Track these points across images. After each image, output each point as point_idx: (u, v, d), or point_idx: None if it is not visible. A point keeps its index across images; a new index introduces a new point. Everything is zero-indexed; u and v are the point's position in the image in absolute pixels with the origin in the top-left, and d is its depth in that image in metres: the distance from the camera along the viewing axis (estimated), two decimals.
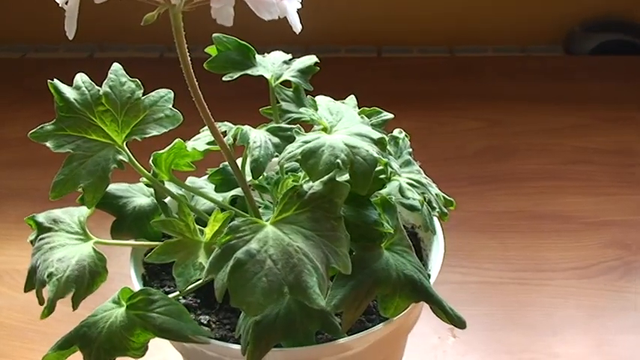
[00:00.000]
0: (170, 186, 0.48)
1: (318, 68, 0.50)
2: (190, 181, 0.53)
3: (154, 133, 0.43)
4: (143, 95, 0.44)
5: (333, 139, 0.40)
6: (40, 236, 0.46)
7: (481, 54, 1.28)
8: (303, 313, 0.42)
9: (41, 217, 0.47)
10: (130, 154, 0.43)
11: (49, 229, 0.46)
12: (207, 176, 0.51)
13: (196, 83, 0.41)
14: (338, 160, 0.38)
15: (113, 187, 0.50)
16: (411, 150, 0.49)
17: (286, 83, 0.49)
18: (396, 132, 0.49)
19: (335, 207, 0.38)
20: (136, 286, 0.49)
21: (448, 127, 1.04)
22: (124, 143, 0.43)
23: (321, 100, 0.45)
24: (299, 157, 0.38)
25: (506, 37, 1.28)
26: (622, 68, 1.19)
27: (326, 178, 0.39)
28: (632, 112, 1.06)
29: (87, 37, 1.17)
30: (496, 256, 0.79)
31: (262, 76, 0.48)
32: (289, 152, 0.39)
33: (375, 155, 0.39)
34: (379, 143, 0.41)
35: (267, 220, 0.39)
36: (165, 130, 0.43)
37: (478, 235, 0.82)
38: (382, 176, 0.44)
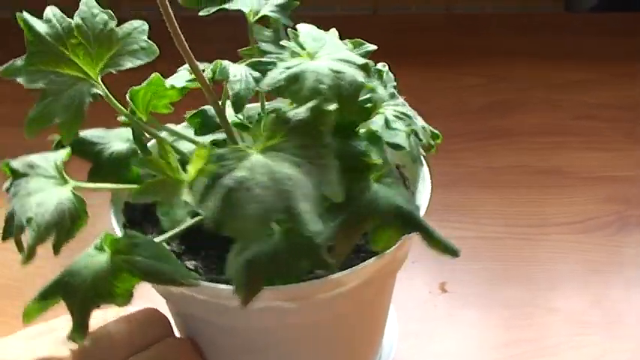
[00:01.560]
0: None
1: (298, 2, 0.48)
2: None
3: (129, 65, 0.41)
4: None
5: (317, 64, 0.39)
6: (15, 182, 0.43)
7: (480, 12, 1.25)
8: (292, 251, 0.40)
9: (16, 163, 0.44)
10: (105, 89, 0.42)
11: (25, 175, 0.44)
12: (184, 123, 0.49)
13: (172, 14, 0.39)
14: (322, 86, 0.37)
15: (89, 133, 0.48)
16: (395, 84, 0.47)
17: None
18: (379, 65, 0.47)
19: (321, 135, 0.37)
20: (118, 232, 0.47)
21: (449, 83, 1.02)
22: (99, 78, 0.41)
23: (303, 27, 0.43)
24: (282, 82, 0.37)
25: None
26: (624, 25, 1.18)
27: (311, 104, 0.37)
28: (634, 67, 1.05)
29: None
30: (497, 211, 0.78)
31: (240, 10, 0.46)
32: (272, 78, 0.37)
33: (361, 80, 0.38)
34: (364, 69, 0.40)
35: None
36: (141, 63, 0.41)
37: (479, 191, 0.80)
38: (368, 105, 0.43)
